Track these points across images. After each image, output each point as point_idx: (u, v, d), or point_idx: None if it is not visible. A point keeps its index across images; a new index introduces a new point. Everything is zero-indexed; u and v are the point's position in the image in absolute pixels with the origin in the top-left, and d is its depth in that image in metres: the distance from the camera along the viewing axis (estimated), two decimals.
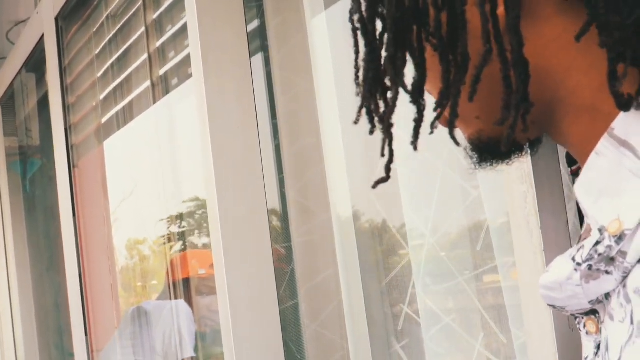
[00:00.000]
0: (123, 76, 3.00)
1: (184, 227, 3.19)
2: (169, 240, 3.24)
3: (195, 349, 3.23)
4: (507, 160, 0.72)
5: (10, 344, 4.47)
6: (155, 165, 3.06)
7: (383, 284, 1.85)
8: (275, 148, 2.11)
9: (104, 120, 3.28)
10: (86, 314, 3.09)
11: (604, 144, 0.62)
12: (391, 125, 0.68)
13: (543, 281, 0.67)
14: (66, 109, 3.24)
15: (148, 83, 2.81)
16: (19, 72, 3.93)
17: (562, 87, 0.64)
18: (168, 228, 3.20)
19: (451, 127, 0.67)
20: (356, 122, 0.71)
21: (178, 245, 3.30)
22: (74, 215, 3.12)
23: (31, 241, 4.39)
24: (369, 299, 1.89)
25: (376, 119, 0.69)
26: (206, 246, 2.99)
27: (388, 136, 0.68)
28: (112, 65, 3.06)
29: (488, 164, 0.71)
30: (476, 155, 0.71)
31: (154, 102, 2.84)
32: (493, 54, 0.62)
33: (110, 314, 3.49)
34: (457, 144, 0.70)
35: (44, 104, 3.78)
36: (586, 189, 0.64)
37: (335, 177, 1.95)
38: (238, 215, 1.91)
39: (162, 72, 2.74)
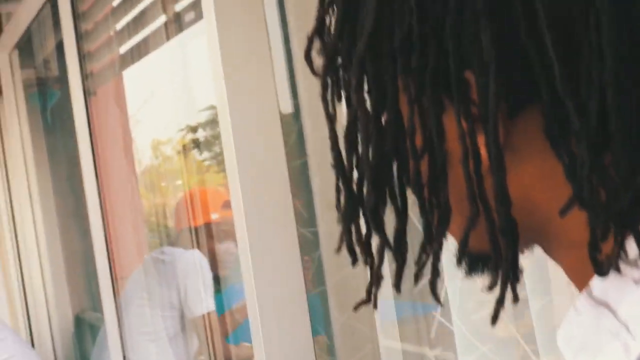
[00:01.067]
0: (141, 6, 2.96)
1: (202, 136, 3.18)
2: (184, 149, 3.24)
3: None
4: None
5: (39, 280, 4.55)
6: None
7: (415, 287, 1.81)
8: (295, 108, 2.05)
9: (122, 50, 3.26)
10: (109, 243, 3.11)
11: (583, 303, 0.61)
12: (371, 252, 0.66)
13: None
14: (79, 36, 3.20)
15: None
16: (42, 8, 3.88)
17: (551, 222, 0.62)
18: (184, 136, 3.20)
19: (433, 288, 0.65)
20: (338, 250, 0.68)
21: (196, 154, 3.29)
22: (91, 142, 3.11)
23: (54, 171, 4.41)
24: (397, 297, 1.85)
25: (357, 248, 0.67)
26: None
27: (369, 263, 0.66)
28: None
29: (479, 272, 0.68)
30: (466, 263, 0.68)
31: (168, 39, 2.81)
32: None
33: (133, 242, 3.51)
34: (440, 302, 0.68)
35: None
36: (567, 341, 0.63)
37: None
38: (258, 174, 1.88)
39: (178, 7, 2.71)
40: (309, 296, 1.93)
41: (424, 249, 0.64)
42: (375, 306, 0.67)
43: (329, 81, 0.67)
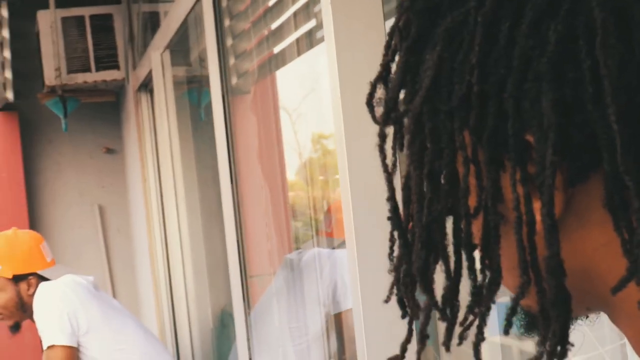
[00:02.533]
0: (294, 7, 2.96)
1: None
2: None
3: None
4: None
5: (180, 275, 4.64)
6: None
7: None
8: None
9: (276, 47, 3.27)
10: (241, 242, 3.12)
11: None
12: (419, 308, 0.65)
13: None
14: (219, 34, 3.23)
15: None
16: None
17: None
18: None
19: (477, 352, 0.61)
20: (386, 301, 0.68)
21: None
22: (228, 141, 3.13)
23: (200, 168, 4.49)
24: None
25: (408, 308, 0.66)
26: None
27: (414, 316, 0.65)
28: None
29: (534, 331, 0.65)
30: (523, 320, 0.65)
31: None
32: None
33: (277, 239, 3.51)
34: None
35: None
36: None
37: None
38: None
39: None
40: None
41: (471, 310, 0.62)
42: None
43: (387, 132, 0.66)
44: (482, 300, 0.60)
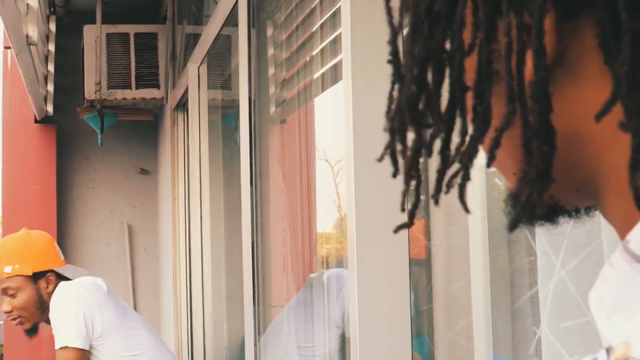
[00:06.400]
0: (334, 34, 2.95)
1: None
2: None
3: None
4: (551, 224, 0.62)
5: (199, 297, 4.62)
6: None
7: (515, 306, 1.71)
8: None
9: (315, 75, 3.26)
10: (257, 271, 3.10)
11: (617, 257, 0.54)
12: (413, 170, 0.61)
13: None
14: (250, 57, 3.23)
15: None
16: (223, 26, 3.97)
17: (604, 160, 0.56)
18: None
19: (461, 195, 0.59)
20: (380, 159, 0.63)
21: None
22: (251, 170, 3.15)
23: (227, 188, 4.47)
24: (496, 319, 1.75)
25: (399, 161, 0.62)
26: None
27: (408, 180, 0.61)
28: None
29: (528, 223, 0.60)
30: (515, 212, 0.60)
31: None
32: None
33: (298, 268, 3.49)
34: (467, 211, 0.60)
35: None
36: (599, 302, 0.56)
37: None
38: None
39: None
40: None
41: (457, 153, 0.59)
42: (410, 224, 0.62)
43: None
44: (470, 140, 0.58)
